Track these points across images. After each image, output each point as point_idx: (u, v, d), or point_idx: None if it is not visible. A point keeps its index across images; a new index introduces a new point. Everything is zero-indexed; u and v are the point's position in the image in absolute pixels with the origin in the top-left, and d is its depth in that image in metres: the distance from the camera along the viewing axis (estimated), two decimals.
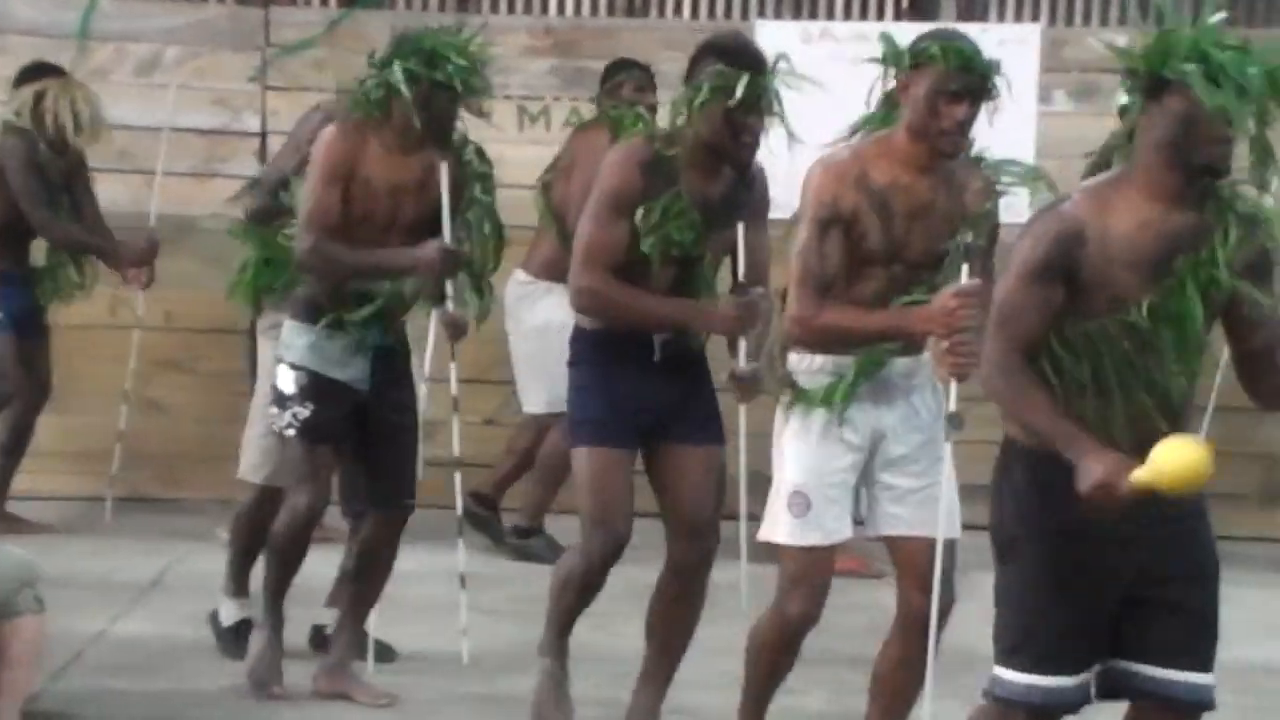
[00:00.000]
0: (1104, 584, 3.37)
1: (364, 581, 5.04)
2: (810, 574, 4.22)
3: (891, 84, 4.20)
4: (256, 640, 5.04)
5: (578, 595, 4.63)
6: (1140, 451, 3.26)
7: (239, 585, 5.45)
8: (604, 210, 4.45)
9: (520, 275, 6.73)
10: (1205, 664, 3.40)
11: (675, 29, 7.74)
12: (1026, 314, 3.33)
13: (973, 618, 4.47)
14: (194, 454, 7.39)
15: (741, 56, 4.40)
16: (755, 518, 5.10)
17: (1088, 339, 3.32)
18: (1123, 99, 3.34)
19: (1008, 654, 3.44)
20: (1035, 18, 7.88)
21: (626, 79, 6.72)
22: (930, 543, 4.20)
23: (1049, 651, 3.38)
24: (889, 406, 4.22)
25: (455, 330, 4.96)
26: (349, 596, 5.10)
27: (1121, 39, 7.44)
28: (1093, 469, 3.24)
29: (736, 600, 4.94)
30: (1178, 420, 3.38)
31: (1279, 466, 6.85)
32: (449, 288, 4.88)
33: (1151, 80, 3.27)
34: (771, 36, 5.99)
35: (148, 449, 7.39)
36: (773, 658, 4.38)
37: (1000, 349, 3.36)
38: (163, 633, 5.71)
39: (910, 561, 4.23)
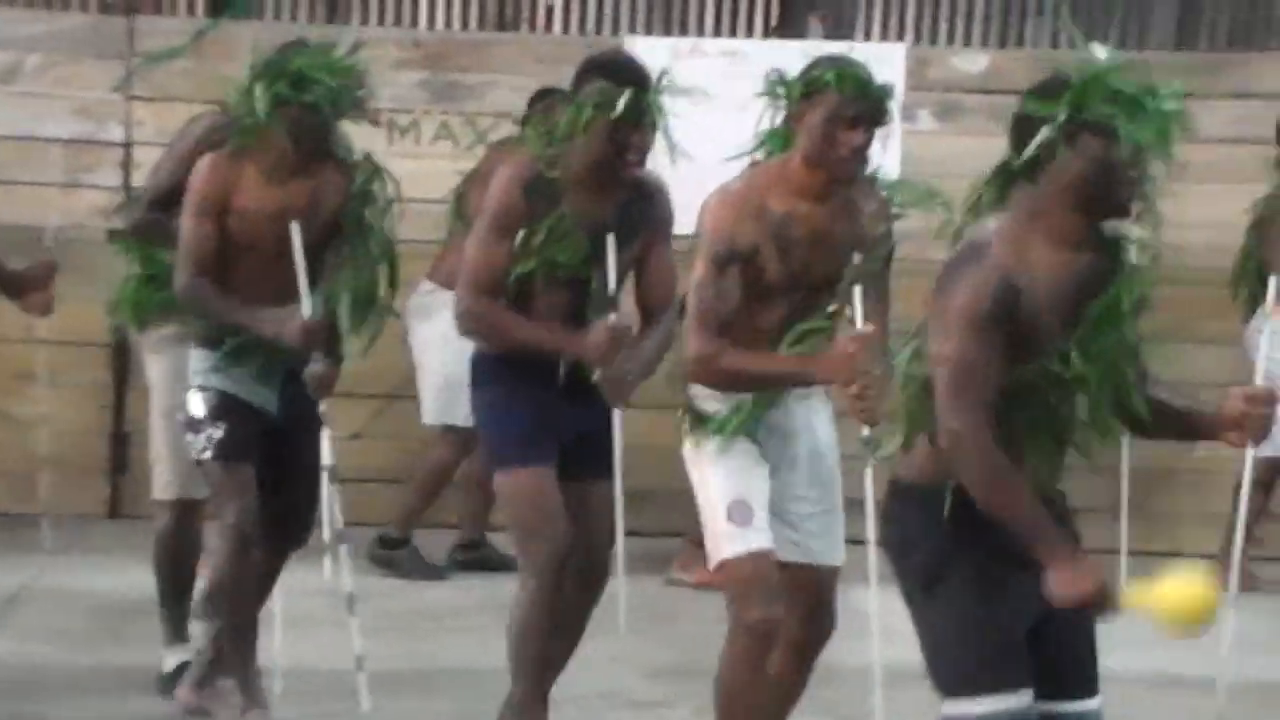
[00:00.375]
0: (1024, 605, 3.29)
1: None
2: (758, 579, 4.07)
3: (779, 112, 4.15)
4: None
5: (538, 630, 4.38)
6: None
7: (177, 630, 5.20)
8: (487, 232, 4.42)
9: (425, 285, 6.68)
10: (1098, 687, 3.38)
11: (545, 43, 7.76)
12: (984, 373, 3.19)
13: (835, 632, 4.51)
14: (54, 468, 7.26)
15: (625, 73, 4.39)
16: (633, 533, 5.10)
17: (1014, 392, 3.23)
18: (1043, 131, 3.18)
19: (960, 684, 3.27)
20: (900, 37, 8.00)
21: (558, 101, 6.69)
22: (823, 572, 4.20)
23: (1004, 668, 3.26)
24: (790, 430, 4.19)
25: (320, 386, 4.70)
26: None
27: (984, 59, 7.66)
28: (1079, 581, 3.15)
29: (607, 616, 4.94)
30: (1060, 469, 3.35)
31: (1130, 480, 6.96)
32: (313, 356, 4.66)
33: (1070, 123, 3.19)
34: (642, 53, 6.01)
35: (4, 463, 7.26)
36: (748, 691, 4.13)
37: (970, 420, 3.18)
38: (22, 650, 5.59)
39: (801, 589, 4.19)
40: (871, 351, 3.97)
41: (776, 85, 4.13)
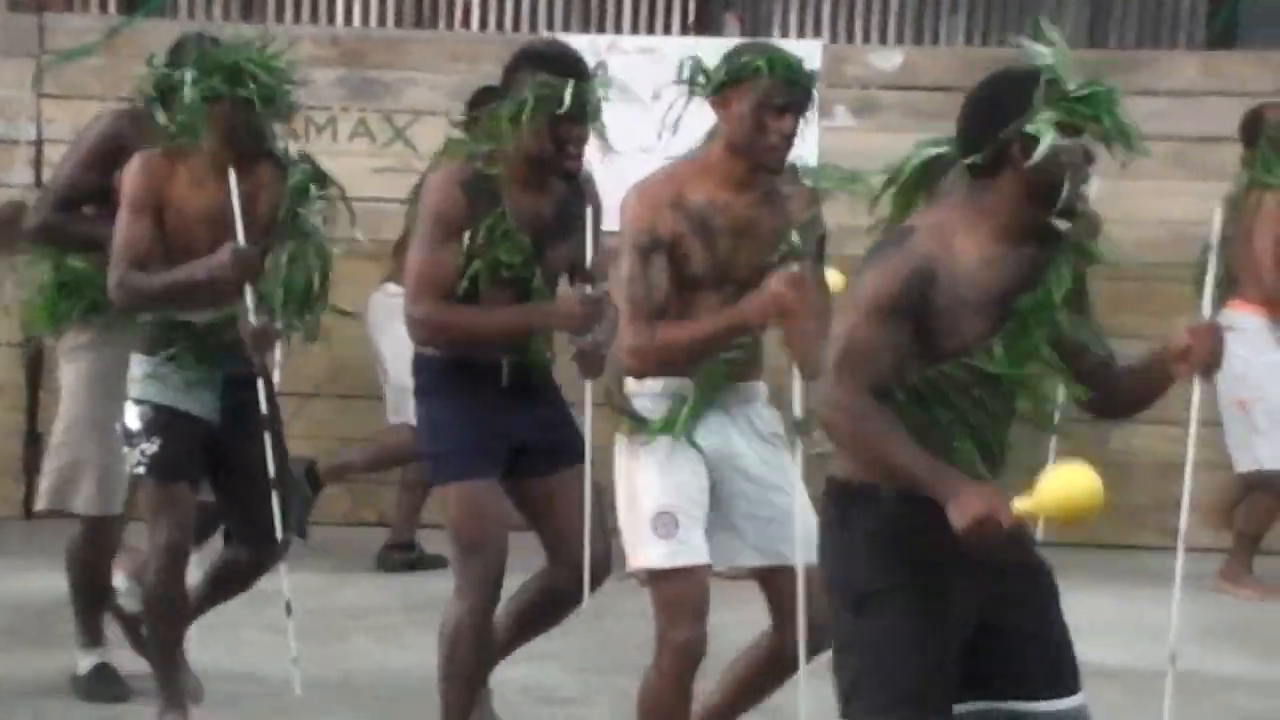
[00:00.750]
0: (961, 617, 3.27)
1: (206, 601, 4.85)
2: (688, 596, 4.00)
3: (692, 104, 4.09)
4: None
5: (471, 644, 4.27)
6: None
7: (90, 633, 5.14)
8: (429, 236, 4.28)
9: (390, 288, 6.52)
10: (1076, 685, 3.34)
11: (463, 40, 7.75)
12: (877, 354, 3.16)
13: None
14: None
15: (563, 64, 4.25)
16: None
17: (935, 385, 3.22)
18: (1013, 129, 3.18)
19: (872, 711, 3.23)
20: (816, 34, 8.06)
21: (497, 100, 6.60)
22: (785, 574, 4.07)
23: (920, 706, 3.22)
24: (732, 432, 4.13)
25: (259, 340, 4.58)
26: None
27: (899, 56, 7.72)
28: (970, 503, 3.10)
29: None
30: (997, 465, 3.33)
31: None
32: (248, 296, 4.56)
33: (1044, 122, 3.16)
34: None
35: None
36: (672, 707, 4.06)
37: (848, 391, 3.15)
38: None
39: (767, 593, 4.11)
40: (802, 289, 3.90)
41: (696, 73, 4.05)
